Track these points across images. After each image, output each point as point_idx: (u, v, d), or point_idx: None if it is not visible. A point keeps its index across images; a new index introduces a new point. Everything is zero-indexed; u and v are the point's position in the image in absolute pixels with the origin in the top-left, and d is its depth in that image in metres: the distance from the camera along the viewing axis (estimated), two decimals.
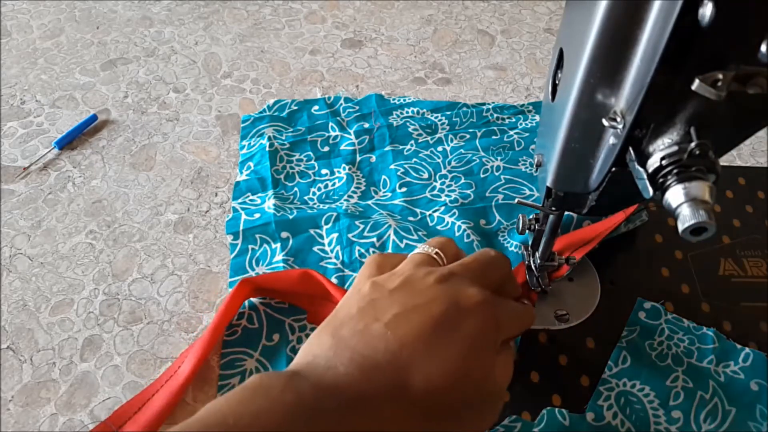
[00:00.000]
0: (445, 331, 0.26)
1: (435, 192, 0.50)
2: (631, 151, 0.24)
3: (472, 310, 0.27)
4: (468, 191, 0.49)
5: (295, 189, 0.50)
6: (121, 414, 0.36)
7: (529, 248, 0.41)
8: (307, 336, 0.39)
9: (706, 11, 0.17)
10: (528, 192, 0.49)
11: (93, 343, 0.40)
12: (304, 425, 0.22)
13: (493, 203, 0.48)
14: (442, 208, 0.48)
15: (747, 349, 0.38)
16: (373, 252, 0.44)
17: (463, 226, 0.45)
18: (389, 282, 0.29)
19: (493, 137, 0.55)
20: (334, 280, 0.43)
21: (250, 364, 0.39)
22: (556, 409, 0.35)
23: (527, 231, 0.39)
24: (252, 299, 0.42)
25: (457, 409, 0.26)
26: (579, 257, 0.41)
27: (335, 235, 0.45)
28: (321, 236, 0.46)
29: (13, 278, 0.44)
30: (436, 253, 0.32)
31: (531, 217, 0.38)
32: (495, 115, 0.57)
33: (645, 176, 0.22)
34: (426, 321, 0.26)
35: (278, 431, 0.21)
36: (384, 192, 0.50)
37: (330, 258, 0.44)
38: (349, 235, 0.45)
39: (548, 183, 0.31)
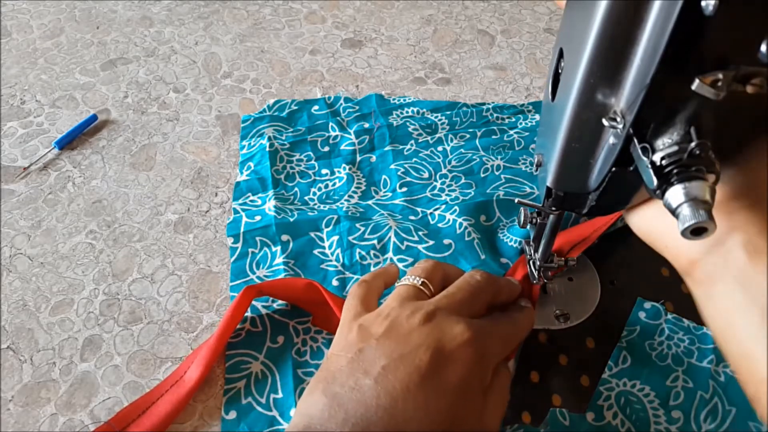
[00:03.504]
0: (432, 382, 0.27)
1: (435, 192, 0.50)
2: (636, 142, 0.23)
3: (457, 353, 0.28)
4: (468, 191, 0.49)
5: (296, 189, 0.50)
6: (124, 416, 0.35)
7: (531, 243, 0.41)
8: (312, 338, 0.40)
9: (710, 3, 0.17)
10: (528, 190, 0.49)
11: (93, 343, 0.40)
12: None
13: (495, 198, 0.48)
14: (443, 206, 0.48)
15: None
16: (374, 254, 0.44)
17: (465, 224, 0.45)
18: (375, 326, 0.30)
19: (493, 137, 0.55)
20: (335, 282, 0.43)
21: (256, 367, 0.38)
22: (557, 410, 0.35)
23: (528, 224, 0.38)
24: (254, 303, 0.41)
25: None
26: (577, 254, 0.41)
27: (336, 237, 0.45)
28: (321, 239, 0.46)
29: (13, 278, 0.44)
30: (423, 284, 0.33)
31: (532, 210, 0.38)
32: (495, 115, 0.57)
33: (650, 165, 0.22)
34: (413, 372, 0.27)
35: None
36: (384, 192, 0.50)
37: (330, 261, 0.44)
38: (350, 238, 0.45)
39: (548, 183, 0.31)
